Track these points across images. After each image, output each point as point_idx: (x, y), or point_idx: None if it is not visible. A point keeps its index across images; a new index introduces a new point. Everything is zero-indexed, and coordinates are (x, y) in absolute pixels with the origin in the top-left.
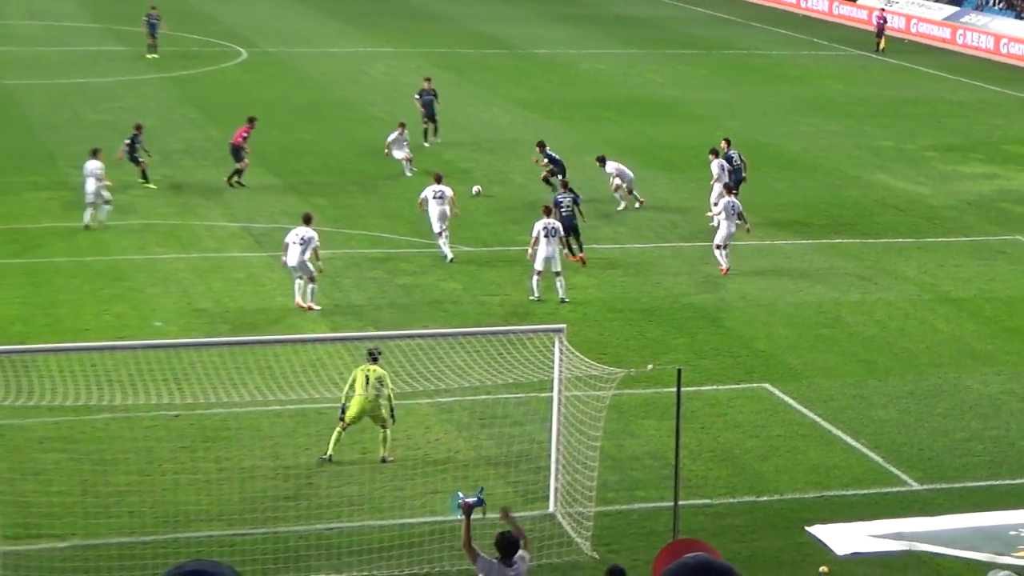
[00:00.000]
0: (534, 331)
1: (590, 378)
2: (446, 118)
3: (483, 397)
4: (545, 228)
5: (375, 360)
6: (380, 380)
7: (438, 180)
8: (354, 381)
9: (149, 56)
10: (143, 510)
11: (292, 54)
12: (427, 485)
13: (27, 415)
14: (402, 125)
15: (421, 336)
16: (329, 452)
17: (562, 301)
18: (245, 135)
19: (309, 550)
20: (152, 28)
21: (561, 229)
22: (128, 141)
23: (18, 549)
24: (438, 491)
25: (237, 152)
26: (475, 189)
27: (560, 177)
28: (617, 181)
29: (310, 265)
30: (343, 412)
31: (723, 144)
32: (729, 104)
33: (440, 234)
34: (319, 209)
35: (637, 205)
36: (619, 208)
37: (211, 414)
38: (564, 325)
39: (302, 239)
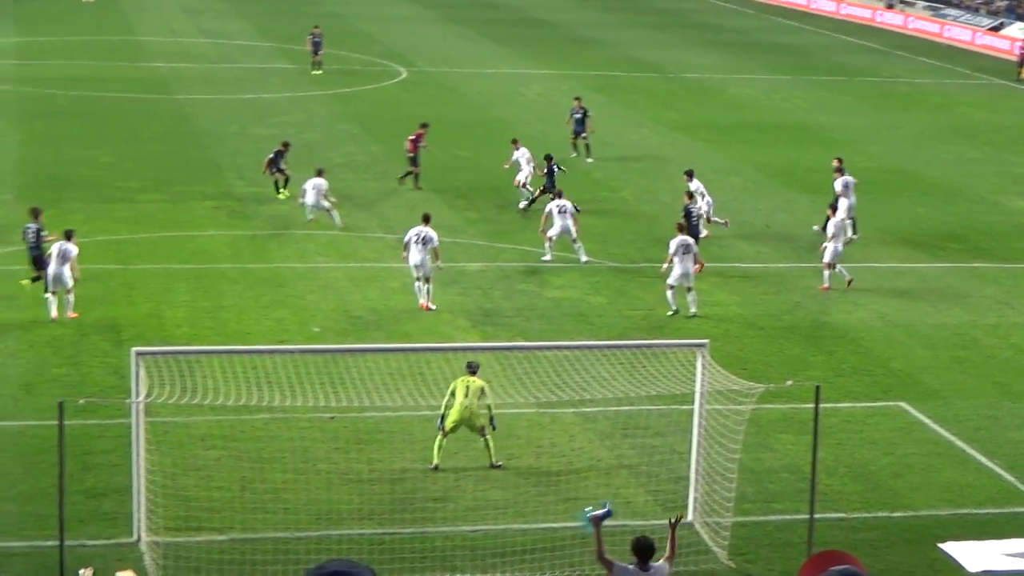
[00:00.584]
0: (677, 345)
1: (731, 392)
2: (596, 139)
3: (626, 408)
4: (680, 245)
5: (473, 372)
6: (480, 390)
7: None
8: (454, 391)
9: (314, 73)
10: (298, 507)
11: (450, 74)
12: (570, 491)
13: (191, 413)
14: (515, 142)
15: (568, 347)
16: (435, 462)
17: (693, 315)
18: (416, 140)
19: (455, 551)
20: (316, 47)
21: (694, 246)
22: (271, 156)
23: (178, 541)
24: (580, 497)
25: (413, 159)
26: None
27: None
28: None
29: (429, 264)
30: (442, 421)
31: (835, 163)
32: (872, 130)
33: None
34: (473, 223)
35: (723, 223)
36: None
37: (365, 417)
38: (707, 340)
39: (422, 238)
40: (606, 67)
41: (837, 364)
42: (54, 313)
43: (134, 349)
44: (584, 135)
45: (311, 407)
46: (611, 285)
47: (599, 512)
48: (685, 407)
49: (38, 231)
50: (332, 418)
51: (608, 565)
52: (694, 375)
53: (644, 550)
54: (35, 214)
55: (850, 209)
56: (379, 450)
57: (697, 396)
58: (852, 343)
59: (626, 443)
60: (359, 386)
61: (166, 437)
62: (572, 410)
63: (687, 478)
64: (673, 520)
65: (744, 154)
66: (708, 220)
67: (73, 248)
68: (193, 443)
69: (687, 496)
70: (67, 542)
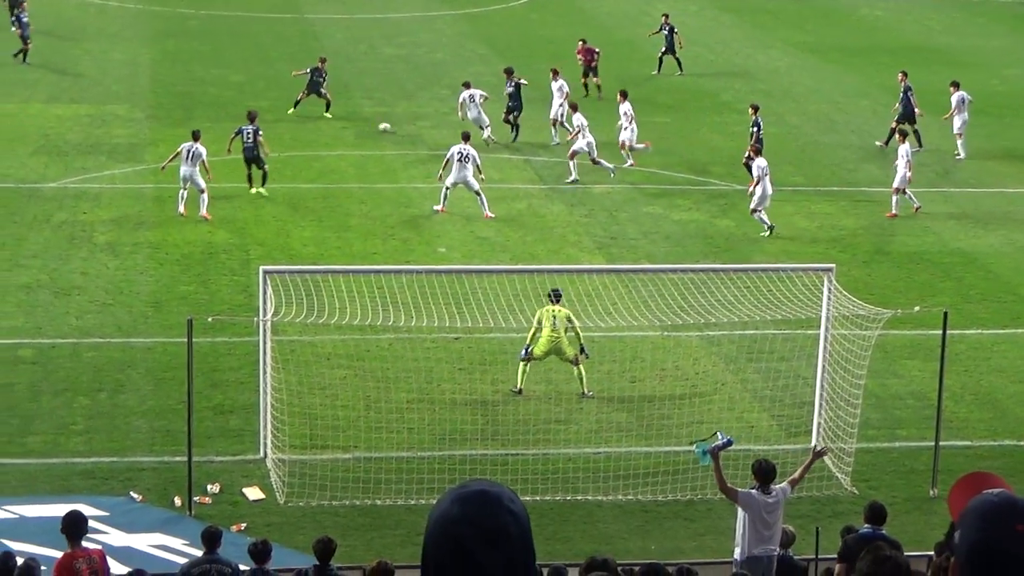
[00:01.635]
0: (804, 269)
1: (857, 317)
2: (725, 60)
3: (751, 332)
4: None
5: (557, 300)
6: (568, 319)
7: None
8: (540, 320)
9: None
10: (421, 427)
11: None
12: (693, 415)
13: (317, 332)
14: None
15: (693, 270)
16: (519, 386)
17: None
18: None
19: (577, 472)
20: None
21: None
22: (307, 71)
23: (303, 458)
24: (704, 421)
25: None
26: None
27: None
28: None
29: (471, 179)
30: (527, 351)
31: (900, 77)
32: (1006, 52)
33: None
34: (602, 147)
35: (645, 147)
36: None
37: (489, 338)
38: (833, 265)
39: (465, 155)
40: None
41: (965, 291)
42: (182, 208)
43: (262, 268)
44: (673, 51)
45: (436, 328)
46: (738, 208)
47: (718, 443)
48: (811, 332)
49: (255, 132)
50: (457, 338)
51: (732, 494)
52: (820, 300)
53: (766, 473)
54: (251, 117)
55: (962, 126)
56: (503, 371)
57: (823, 321)
58: (981, 269)
59: (750, 367)
60: (484, 307)
61: (292, 356)
62: (697, 334)
63: (811, 403)
64: (818, 449)
65: (874, 76)
66: (631, 148)
67: (202, 149)
68: (319, 362)
69: (811, 421)
70: (195, 458)
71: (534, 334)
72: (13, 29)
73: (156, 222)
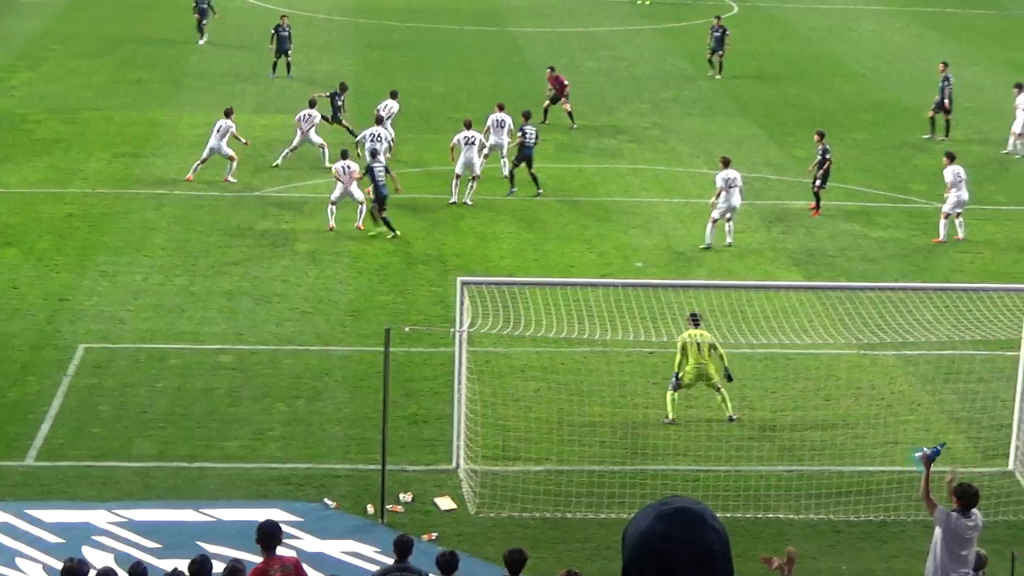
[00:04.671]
0: (1006, 290)
1: None
2: (929, 77)
3: (949, 352)
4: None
5: (696, 324)
6: (712, 346)
7: (468, 125)
8: (684, 347)
9: (639, 2)
10: (614, 441)
11: (782, 9)
12: (888, 435)
13: (512, 344)
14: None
15: (891, 289)
16: (671, 416)
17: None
18: None
19: (768, 490)
20: None
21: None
22: (327, 95)
23: (495, 469)
24: (898, 442)
25: None
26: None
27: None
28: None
29: (477, 164)
30: (677, 379)
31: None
32: None
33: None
34: (800, 161)
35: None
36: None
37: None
38: None
39: (470, 140)
40: (941, 3)
41: None
42: (332, 223)
43: (459, 278)
44: (720, 52)
45: (630, 341)
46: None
47: (929, 451)
48: (1011, 353)
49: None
50: (651, 353)
51: (932, 505)
52: (1021, 321)
53: (968, 497)
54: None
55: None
56: (696, 387)
57: None
58: None
59: (947, 388)
60: (680, 322)
61: (487, 367)
62: (894, 353)
63: (1009, 426)
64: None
65: None
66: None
67: (354, 165)
68: (513, 374)
69: (1008, 444)
70: (388, 466)
71: (680, 362)
72: (270, 47)
73: (356, 232)
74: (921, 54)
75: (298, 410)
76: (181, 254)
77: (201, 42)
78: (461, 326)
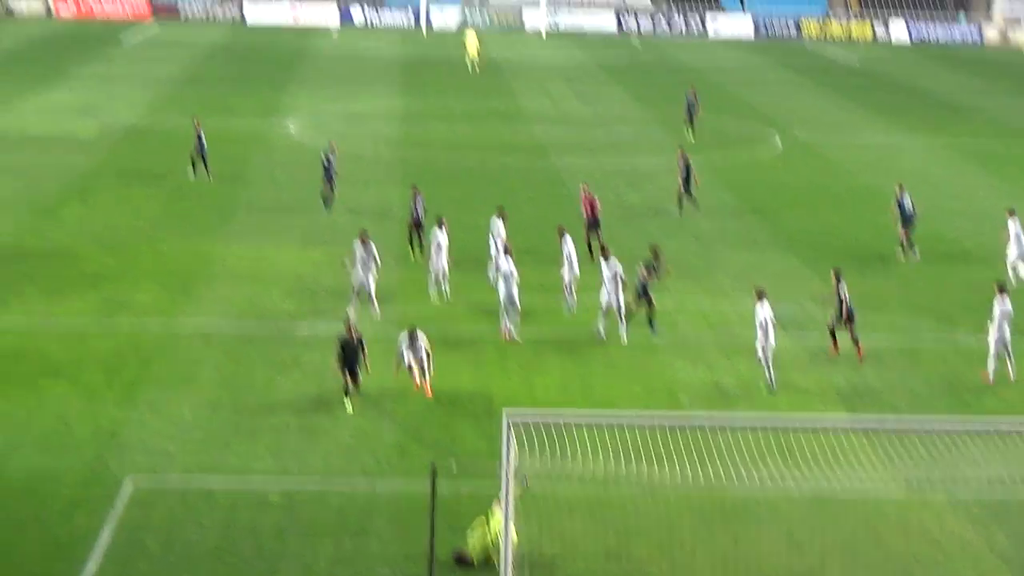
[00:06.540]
0: None
1: None
2: (975, 209)
3: (1000, 494)
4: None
5: None
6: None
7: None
8: None
9: (688, 140)
10: None
11: (824, 143)
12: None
13: (557, 481)
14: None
15: (939, 430)
16: None
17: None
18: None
19: None
20: (690, 108)
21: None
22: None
23: None
24: None
25: None
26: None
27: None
28: None
29: (446, 265)
30: None
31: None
32: None
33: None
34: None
35: None
36: None
37: (730, 493)
38: None
39: (436, 244)
40: (981, 135)
41: None
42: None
43: (505, 411)
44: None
45: (677, 479)
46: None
47: None
48: None
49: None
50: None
51: None
52: None
53: None
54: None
55: None
56: (744, 527)
57: None
58: None
59: (1000, 531)
60: (726, 459)
61: (533, 504)
62: (943, 492)
63: None
64: None
65: None
66: None
67: (423, 338)
68: (560, 511)
69: None
70: None
71: None
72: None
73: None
74: (960, 184)
75: (344, 548)
76: (229, 388)
77: (192, 177)
78: (507, 462)
